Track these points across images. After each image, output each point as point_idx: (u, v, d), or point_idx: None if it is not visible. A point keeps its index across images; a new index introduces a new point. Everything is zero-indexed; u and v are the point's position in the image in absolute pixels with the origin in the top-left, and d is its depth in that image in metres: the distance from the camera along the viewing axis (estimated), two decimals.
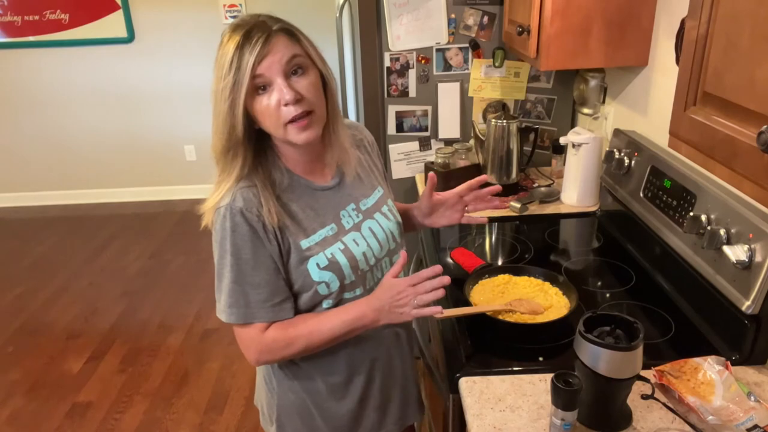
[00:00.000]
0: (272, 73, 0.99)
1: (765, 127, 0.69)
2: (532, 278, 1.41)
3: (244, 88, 0.98)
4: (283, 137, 1.04)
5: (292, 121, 1.01)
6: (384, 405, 1.28)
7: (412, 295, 1.04)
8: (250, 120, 1.03)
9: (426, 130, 2.28)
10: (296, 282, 1.09)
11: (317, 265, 1.08)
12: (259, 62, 0.98)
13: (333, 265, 1.09)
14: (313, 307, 1.12)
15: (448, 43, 2.15)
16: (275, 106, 1.00)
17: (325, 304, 1.12)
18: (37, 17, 4.31)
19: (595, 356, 0.96)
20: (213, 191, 1.07)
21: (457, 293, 1.45)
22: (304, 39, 1.05)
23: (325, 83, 1.08)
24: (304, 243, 1.08)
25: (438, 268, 1.05)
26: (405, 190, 2.34)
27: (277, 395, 1.23)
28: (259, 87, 1.00)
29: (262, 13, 1.03)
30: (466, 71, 2.20)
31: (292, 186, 1.11)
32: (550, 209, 1.94)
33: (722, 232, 1.18)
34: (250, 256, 1.04)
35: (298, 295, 1.11)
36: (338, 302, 1.13)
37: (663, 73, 1.61)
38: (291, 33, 1.03)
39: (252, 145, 1.06)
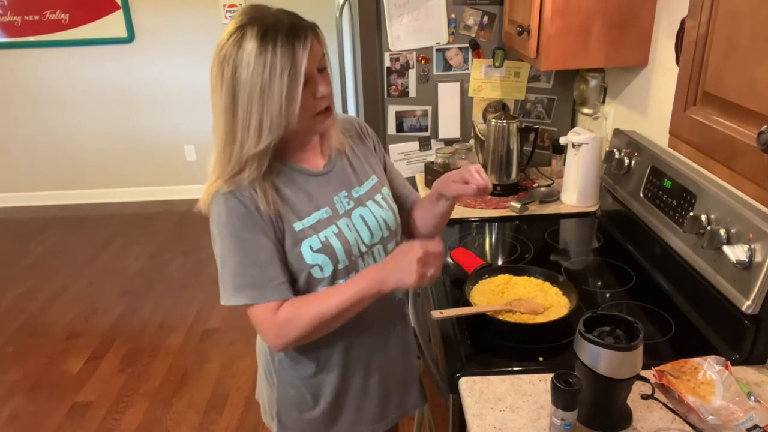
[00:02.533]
0: (311, 67, 1.03)
1: (765, 127, 0.69)
2: (532, 278, 1.42)
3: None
4: (308, 126, 1.08)
5: (322, 111, 1.07)
6: (384, 397, 1.29)
7: (423, 256, 1.02)
8: None
9: (426, 130, 2.28)
10: (291, 265, 1.11)
11: (310, 247, 1.10)
12: (308, 59, 1.01)
13: (326, 249, 1.11)
14: (308, 292, 1.13)
15: (448, 43, 2.15)
16: (311, 98, 1.05)
17: (320, 289, 1.13)
18: (37, 17, 4.31)
19: (595, 356, 0.96)
20: (209, 179, 1.08)
21: (457, 293, 1.46)
22: (323, 38, 1.08)
23: None
24: (297, 225, 1.10)
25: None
26: None
27: (276, 389, 1.25)
28: None
29: (273, 7, 1.03)
30: (466, 71, 2.20)
31: (282, 171, 1.13)
32: (550, 209, 1.94)
33: (722, 232, 1.18)
34: (250, 236, 1.06)
35: (294, 279, 1.12)
36: None
37: (663, 73, 1.61)
38: (319, 33, 1.06)
39: None
